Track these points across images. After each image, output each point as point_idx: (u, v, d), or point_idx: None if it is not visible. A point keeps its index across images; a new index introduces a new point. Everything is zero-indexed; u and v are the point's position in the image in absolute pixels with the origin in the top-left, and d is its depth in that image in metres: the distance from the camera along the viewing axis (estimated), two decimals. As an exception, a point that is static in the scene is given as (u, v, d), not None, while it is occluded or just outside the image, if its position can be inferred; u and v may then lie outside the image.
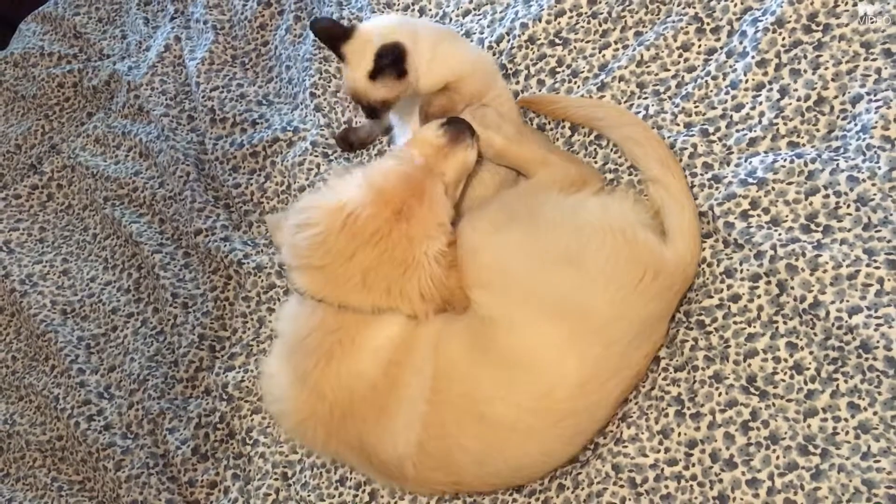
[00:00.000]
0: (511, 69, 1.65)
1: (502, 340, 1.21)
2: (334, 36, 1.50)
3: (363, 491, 1.46)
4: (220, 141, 2.01)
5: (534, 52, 1.63)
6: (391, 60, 1.43)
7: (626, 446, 1.25)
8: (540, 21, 1.63)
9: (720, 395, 1.22)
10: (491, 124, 1.48)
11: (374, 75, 1.45)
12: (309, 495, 1.51)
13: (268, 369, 1.42)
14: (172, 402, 1.75)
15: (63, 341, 1.93)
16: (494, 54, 1.68)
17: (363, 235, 1.26)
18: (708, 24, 1.48)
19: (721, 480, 1.18)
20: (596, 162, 1.48)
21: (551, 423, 1.21)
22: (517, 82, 1.64)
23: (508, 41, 1.66)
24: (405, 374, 1.26)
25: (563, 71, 1.60)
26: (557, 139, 1.55)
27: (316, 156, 1.82)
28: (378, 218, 1.27)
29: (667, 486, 1.21)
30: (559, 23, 1.62)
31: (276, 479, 1.57)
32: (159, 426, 1.73)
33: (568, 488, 1.28)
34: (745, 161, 1.34)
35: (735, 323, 1.25)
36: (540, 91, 1.61)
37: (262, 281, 1.79)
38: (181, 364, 1.78)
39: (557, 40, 1.62)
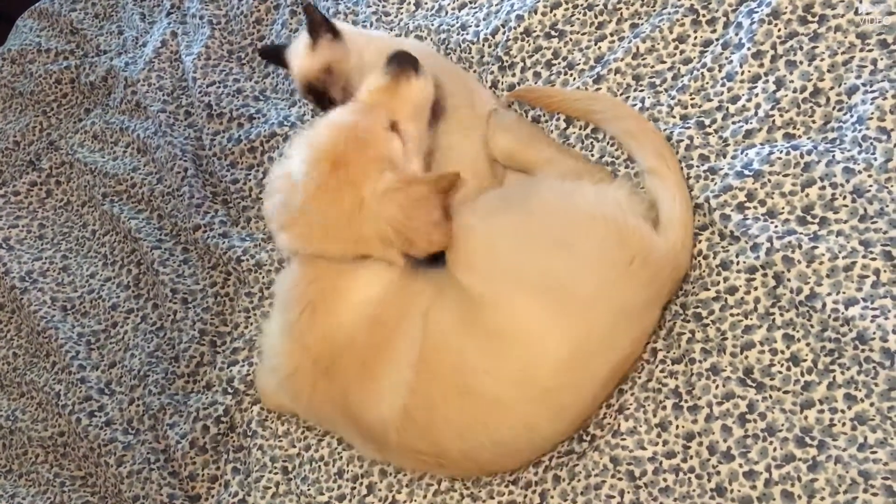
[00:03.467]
0: (507, 61, 1.64)
1: (489, 314, 1.23)
2: (278, 52, 1.66)
3: (360, 483, 1.46)
4: (217, 136, 2.01)
5: (529, 45, 1.62)
6: (320, 18, 1.51)
7: (623, 439, 1.25)
8: (535, 13, 1.62)
9: (717, 387, 1.23)
10: (501, 127, 1.51)
11: (313, 45, 1.54)
12: (309, 489, 1.51)
13: (266, 328, 1.48)
14: (173, 398, 1.75)
15: (63, 338, 1.93)
16: (490, 46, 1.67)
17: (309, 193, 1.30)
18: (704, 15, 1.47)
19: (719, 472, 1.18)
20: (593, 155, 1.48)
21: (534, 397, 1.21)
22: (513, 74, 1.63)
23: (504, 33, 1.65)
24: (393, 336, 1.28)
25: (559, 63, 1.59)
26: (552, 132, 1.54)
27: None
28: (317, 173, 1.30)
29: (665, 479, 1.21)
30: (555, 15, 1.62)
31: (276, 473, 1.57)
32: (160, 421, 1.73)
33: (564, 480, 1.28)
34: (742, 153, 1.33)
35: (732, 315, 1.25)
36: (536, 84, 1.60)
37: (263, 277, 1.79)
38: (182, 359, 1.78)
39: (553, 32, 1.61)
